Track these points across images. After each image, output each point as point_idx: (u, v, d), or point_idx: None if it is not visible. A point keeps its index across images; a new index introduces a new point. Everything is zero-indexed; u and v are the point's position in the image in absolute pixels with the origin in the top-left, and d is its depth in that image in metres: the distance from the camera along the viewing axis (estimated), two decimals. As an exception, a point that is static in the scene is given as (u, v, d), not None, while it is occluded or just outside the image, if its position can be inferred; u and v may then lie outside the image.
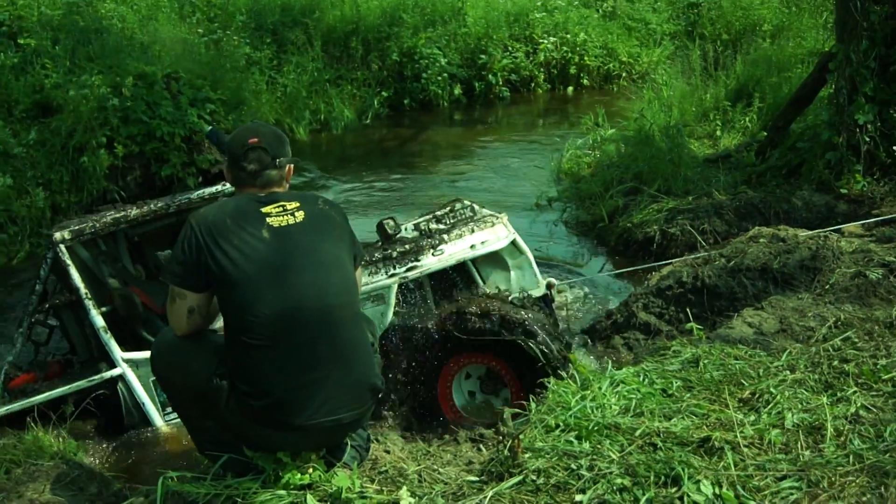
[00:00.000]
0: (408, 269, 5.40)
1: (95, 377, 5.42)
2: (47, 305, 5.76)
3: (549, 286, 5.83)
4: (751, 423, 3.59)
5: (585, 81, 16.27)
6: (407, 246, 5.46)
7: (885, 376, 3.96)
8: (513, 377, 5.13)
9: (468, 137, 13.45)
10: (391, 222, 5.65)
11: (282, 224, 3.60)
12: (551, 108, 15.42)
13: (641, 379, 4.16)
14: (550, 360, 4.90)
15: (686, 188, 8.74)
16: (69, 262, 5.59)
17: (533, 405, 3.96)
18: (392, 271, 5.39)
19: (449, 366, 5.27)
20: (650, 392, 4.01)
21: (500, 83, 15.56)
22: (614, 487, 3.13)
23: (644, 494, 3.06)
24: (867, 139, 7.67)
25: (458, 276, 5.75)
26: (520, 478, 3.29)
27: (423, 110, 15.02)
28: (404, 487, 3.46)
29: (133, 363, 5.45)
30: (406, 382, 5.29)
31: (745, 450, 3.35)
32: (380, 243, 5.63)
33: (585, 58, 16.17)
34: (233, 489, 3.54)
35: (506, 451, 3.39)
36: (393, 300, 5.38)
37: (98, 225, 5.73)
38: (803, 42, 12.79)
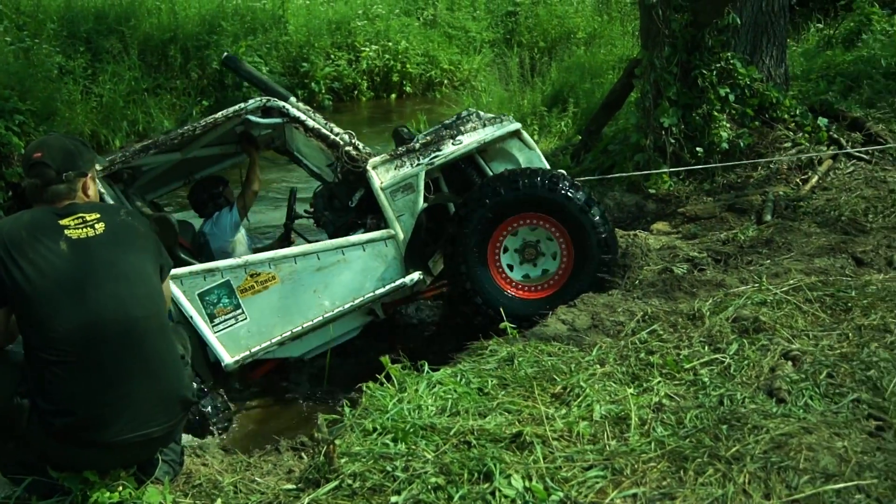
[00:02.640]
0: (432, 158, 5.88)
1: None
2: None
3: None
4: (561, 416, 3.70)
5: (408, 89, 16.44)
6: (428, 138, 6.01)
7: (687, 366, 4.16)
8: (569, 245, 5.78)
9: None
10: (405, 129, 6.22)
11: (80, 236, 3.49)
12: (375, 116, 15.49)
13: (458, 379, 4.22)
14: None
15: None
16: (103, 189, 5.57)
17: (347, 410, 3.97)
18: (417, 161, 5.86)
19: (500, 229, 5.79)
20: (466, 391, 4.07)
21: (323, 91, 15.55)
22: (429, 487, 3.17)
23: (458, 492, 3.11)
24: (672, 141, 8.03)
25: (474, 172, 6.21)
26: (336, 483, 3.29)
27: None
28: (219, 500, 3.41)
29: (177, 279, 5.51)
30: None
31: (555, 443, 3.45)
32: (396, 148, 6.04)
33: (407, 65, 16.36)
34: (39, 513, 3.40)
35: (322, 458, 3.38)
36: (422, 187, 5.85)
37: (127, 154, 5.84)
38: (614, 49, 13.32)
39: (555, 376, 4.16)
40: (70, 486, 3.45)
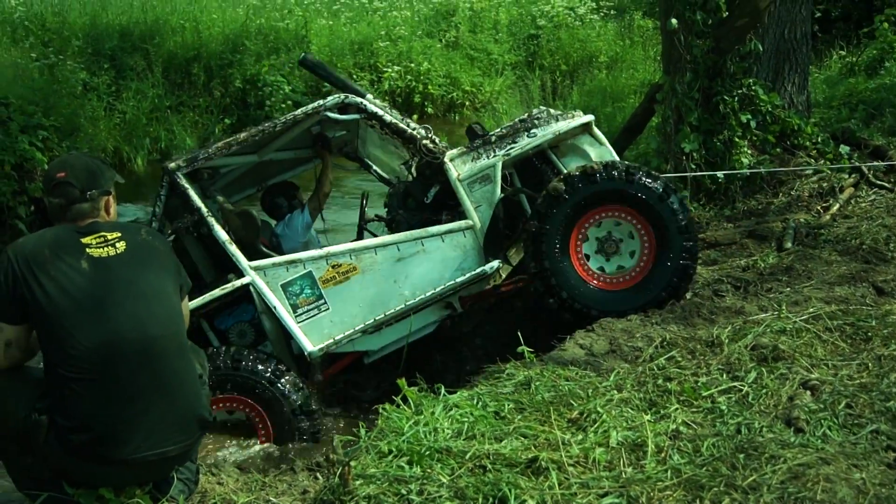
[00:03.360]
0: (508, 150, 6.00)
1: (227, 286, 5.66)
2: (170, 232, 5.88)
3: None
4: (577, 442, 3.68)
5: (430, 110, 16.50)
6: (504, 131, 6.12)
7: (705, 393, 4.14)
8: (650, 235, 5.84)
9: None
10: (479, 125, 6.29)
11: (102, 255, 3.52)
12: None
13: (475, 402, 4.21)
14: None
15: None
16: (187, 185, 5.79)
17: (363, 431, 3.97)
18: (494, 153, 5.95)
19: (581, 221, 5.85)
20: (483, 415, 4.06)
21: (345, 111, 15.59)
22: (444, 511, 3.17)
23: (472, 516, 3.11)
24: (693, 166, 8.02)
25: (547, 168, 6.29)
26: (351, 505, 3.28)
27: (268, 139, 14.85)
28: (233, 519, 3.41)
29: (261, 270, 5.70)
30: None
31: (571, 469, 3.43)
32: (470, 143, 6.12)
33: (429, 86, 16.41)
34: (54, 529, 3.42)
35: (336, 479, 3.38)
36: (499, 178, 5.94)
37: (210, 151, 5.90)
38: (636, 73, 13.33)
39: (572, 401, 4.14)
40: (85, 502, 3.47)
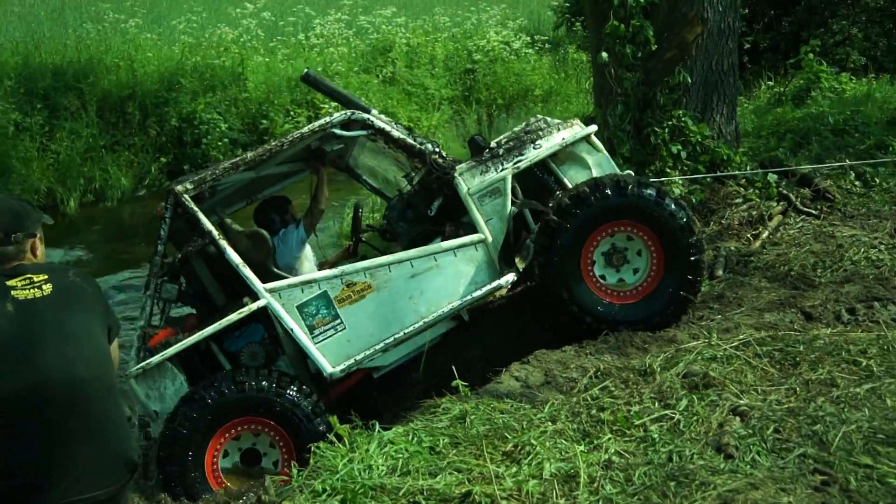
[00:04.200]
0: (516, 162, 6.03)
1: (244, 310, 5.61)
2: (178, 256, 5.87)
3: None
4: (511, 475, 3.70)
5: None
6: (511, 143, 6.16)
7: (637, 422, 4.19)
8: (654, 240, 5.92)
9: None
10: (481, 137, 6.21)
11: (27, 297, 3.47)
12: (336, 172, 15.48)
13: (410, 438, 4.21)
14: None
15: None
16: (196, 208, 5.75)
17: (296, 471, 3.95)
18: (502, 166, 5.98)
19: (593, 237, 5.93)
20: (418, 450, 4.07)
21: (283, 148, 15.54)
22: (377, 549, 3.16)
23: (406, 553, 3.10)
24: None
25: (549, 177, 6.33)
26: (283, 546, 3.27)
27: (205, 176, 14.73)
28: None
29: (276, 292, 5.68)
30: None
31: (504, 502, 3.45)
32: (473, 156, 6.11)
33: (368, 122, 16.41)
34: (-20, 581, 3.34)
35: (269, 520, 3.36)
36: (509, 191, 5.98)
37: (218, 172, 5.85)
38: (570, 106, 13.53)
39: (506, 434, 4.16)
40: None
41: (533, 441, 4.01)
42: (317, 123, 6.01)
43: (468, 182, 5.97)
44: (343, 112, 5.98)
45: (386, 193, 7.21)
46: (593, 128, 6.38)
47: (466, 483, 3.65)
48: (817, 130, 9.66)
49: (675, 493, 3.44)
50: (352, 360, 5.77)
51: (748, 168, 8.49)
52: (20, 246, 3.64)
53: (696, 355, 4.96)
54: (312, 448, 4.12)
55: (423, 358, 5.93)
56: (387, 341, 5.82)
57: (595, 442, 4.02)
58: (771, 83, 13.67)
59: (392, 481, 3.70)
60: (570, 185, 6.19)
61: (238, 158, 5.94)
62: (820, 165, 8.65)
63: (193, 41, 17.51)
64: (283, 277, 5.90)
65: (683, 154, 8.31)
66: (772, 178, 8.37)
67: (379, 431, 4.27)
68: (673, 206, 5.88)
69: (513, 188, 6.04)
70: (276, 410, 5.50)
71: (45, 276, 3.57)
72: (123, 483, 3.60)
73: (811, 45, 12.45)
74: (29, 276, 3.54)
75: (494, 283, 5.95)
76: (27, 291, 3.49)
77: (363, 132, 6.02)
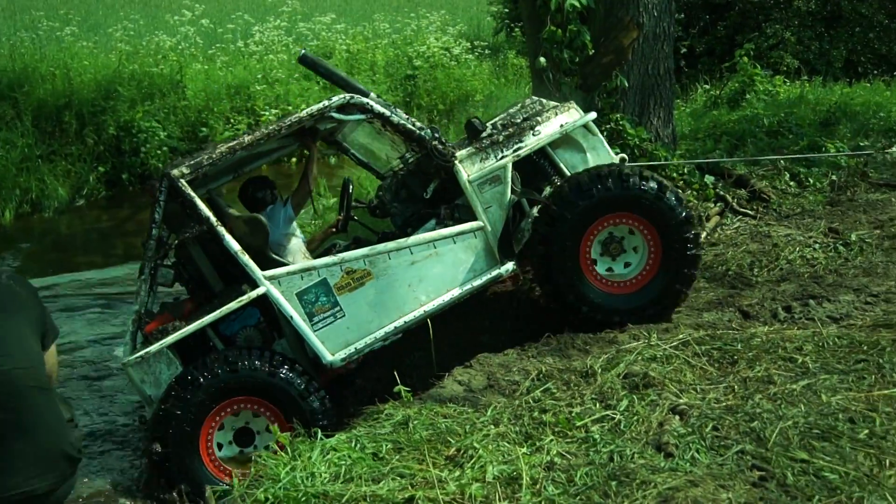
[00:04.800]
0: (516, 150, 5.99)
1: (244, 297, 5.53)
2: (175, 241, 5.79)
3: (623, 160, 6.38)
4: (454, 479, 3.72)
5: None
6: (510, 128, 6.08)
7: (579, 423, 4.23)
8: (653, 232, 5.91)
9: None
10: (478, 119, 6.16)
11: None
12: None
13: (353, 444, 4.20)
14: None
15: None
16: (193, 194, 5.63)
17: (237, 481, 3.92)
18: (502, 153, 5.96)
19: (592, 228, 5.90)
20: (361, 457, 4.06)
21: (223, 156, 15.38)
22: (320, 556, 3.15)
23: (349, 560, 3.09)
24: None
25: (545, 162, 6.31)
26: (225, 556, 3.24)
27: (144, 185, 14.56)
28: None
29: (275, 280, 5.59)
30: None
31: (447, 506, 3.46)
32: (469, 139, 6.07)
33: (308, 129, 16.33)
34: None
35: (211, 531, 3.33)
36: (509, 179, 5.95)
37: (214, 156, 5.71)
38: (511, 111, 13.50)
39: (449, 438, 4.17)
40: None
41: (475, 445, 4.03)
42: (315, 107, 5.90)
43: (468, 169, 5.94)
44: (342, 96, 5.90)
45: (375, 168, 7.17)
46: (592, 115, 6.37)
47: (409, 488, 3.65)
48: (752, 132, 9.84)
49: (616, 492, 3.48)
50: (352, 349, 5.73)
51: (685, 170, 8.60)
52: None
53: (637, 356, 5.02)
54: (253, 457, 4.10)
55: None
56: (387, 330, 5.79)
57: (537, 444, 4.05)
58: (707, 86, 13.89)
59: (335, 488, 3.69)
60: (565, 170, 6.22)
61: (235, 143, 5.79)
62: (749, 160, 8.80)
63: (130, 49, 17.26)
64: (280, 263, 5.84)
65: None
66: (709, 179, 8.49)
67: (321, 439, 4.26)
68: (673, 199, 5.89)
69: (512, 176, 6.05)
70: (268, 390, 5.48)
71: None
72: (64, 476, 3.57)
73: (745, 49, 12.67)
74: None
75: (494, 273, 5.96)
76: None
77: (362, 116, 5.97)
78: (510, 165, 5.98)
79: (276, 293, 5.60)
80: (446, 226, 6.07)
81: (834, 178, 8.82)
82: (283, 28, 19.83)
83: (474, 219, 5.95)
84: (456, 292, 5.91)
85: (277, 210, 6.54)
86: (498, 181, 5.95)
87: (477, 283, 5.93)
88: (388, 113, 5.93)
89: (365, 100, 5.90)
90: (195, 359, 5.57)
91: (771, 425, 3.98)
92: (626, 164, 6.37)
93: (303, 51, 6.48)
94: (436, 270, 5.87)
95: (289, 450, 4.15)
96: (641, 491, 3.46)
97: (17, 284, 3.70)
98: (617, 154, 6.44)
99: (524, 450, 3.96)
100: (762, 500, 3.43)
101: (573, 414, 4.34)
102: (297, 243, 6.50)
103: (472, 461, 3.88)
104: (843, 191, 8.59)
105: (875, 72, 13.89)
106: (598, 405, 4.43)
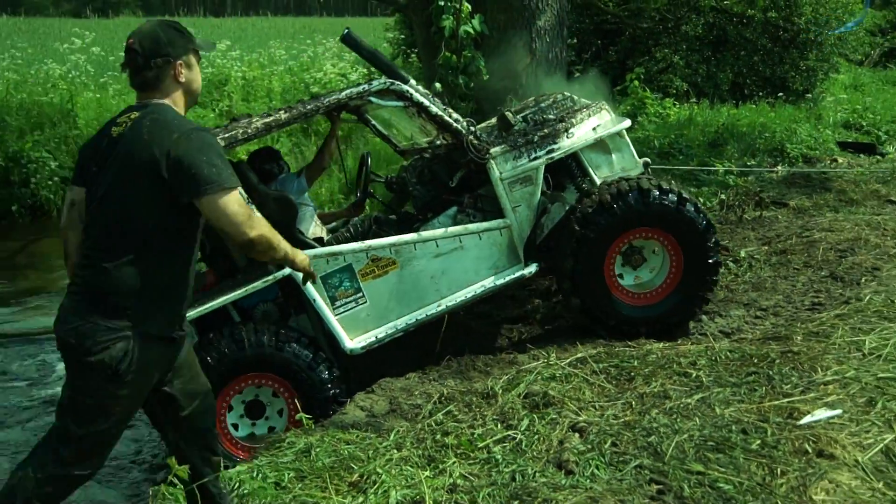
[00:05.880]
0: (550, 152, 6.01)
1: (269, 277, 5.45)
2: None
3: (646, 165, 6.47)
4: (357, 505, 3.71)
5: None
6: (545, 130, 6.08)
7: (481, 444, 4.25)
8: (674, 243, 6.01)
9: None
10: (510, 114, 6.14)
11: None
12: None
13: (254, 474, 4.15)
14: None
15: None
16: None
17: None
18: (535, 154, 5.98)
19: (617, 242, 5.98)
20: (262, 486, 4.02)
21: (118, 185, 15.04)
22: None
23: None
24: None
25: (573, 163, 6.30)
26: None
27: (35, 217, 14.19)
28: None
29: None
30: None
31: (350, 532, 3.45)
32: (500, 132, 6.13)
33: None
34: None
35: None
36: (541, 180, 6.01)
37: (250, 131, 5.55)
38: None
39: (352, 464, 4.16)
40: None
41: (378, 470, 4.03)
42: (355, 90, 5.83)
43: (500, 167, 5.95)
44: (382, 80, 5.85)
45: (393, 142, 7.16)
46: (627, 122, 6.46)
47: (312, 516, 3.63)
48: (644, 154, 10.05)
49: (518, 511, 3.51)
50: (372, 338, 5.72)
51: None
52: (159, 71, 3.62)
53: (536, 375, 5.08)
54: (151, 492, 4.02)
55: None
56: (408, 321, 5.79)
57: (440, 466, 4.06)
58: (600, 110, 14.12)
59: (236, 520, 3.64)
60: (591, 171, 6.24)
61: (272, 119, 5.64)
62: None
63: (18, 78, 16.88)
64: (306, 244, 5.75)
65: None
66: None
67: (224, 469, 4.20)
68: (693, 209, 5.97)
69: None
70: (278, 364, 5.44)
71: (138, 115, 3.58)
72: None
73: (636, 73, 12.98)
74: (129, 114, 3.61)
75: (518, 273, 5.99)
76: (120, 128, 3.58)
77: (400, 103, 5.93)
78: (542, 168, 6.03)
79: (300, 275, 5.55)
80: (468, 215, 6.13)
81: (723, 197, 9.09)
82: (177, 55, 19.59)
83: (499, 213, 5.99)
84: (478, 289, 5.95)
85: (290, 180, 6.51)
86: (529, 181, 6.00)
87: (500, 282, 5.99)
88: (426, 103, 5.91)
89: (405, 87, 5.86)
90: (212, 329, 5.52)
91: (667, 439, 4.07)
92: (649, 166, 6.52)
93: (346, 29, 6.33)
94: (460, 265, 5.92)
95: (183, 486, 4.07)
96: (543, 509, 3.50)
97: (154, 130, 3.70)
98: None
99: (427, 473, 3.97)
100: (660, 513, 3.50)
101: (475, 435, 4.37)
102: (309, 212, 6.43)
103: (376, 486, 3.87)
104: (732, 209, 8.85)
105: (760, 93, 14.32)
106: (499, 426, 4.46)
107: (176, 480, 4.10)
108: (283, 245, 3.73)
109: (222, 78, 18.49)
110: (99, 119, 15.42)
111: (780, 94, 14.31)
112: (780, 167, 10.19)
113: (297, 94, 18.18)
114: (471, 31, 8.28)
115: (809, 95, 14.57)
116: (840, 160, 10.89)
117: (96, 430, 3.48)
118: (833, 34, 14.58)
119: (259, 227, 3.54)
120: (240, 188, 3.55)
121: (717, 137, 10.98)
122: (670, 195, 5.92)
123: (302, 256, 3.94)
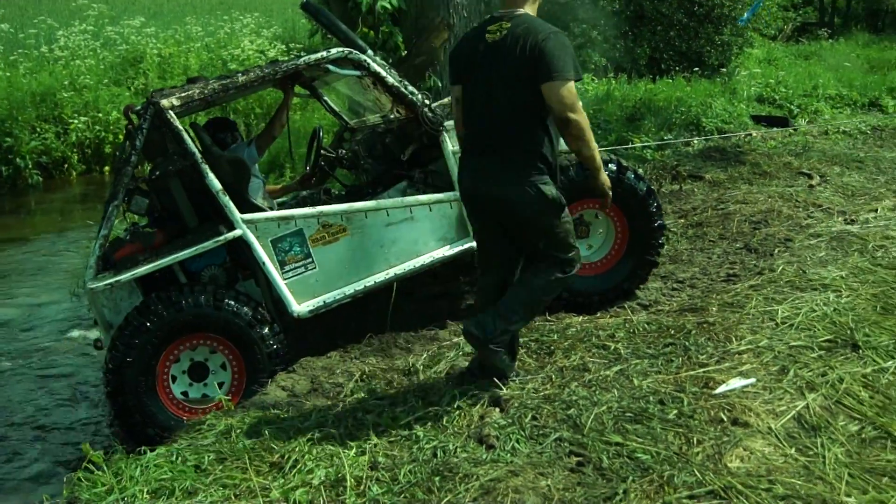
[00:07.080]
0: None
1: (220, 238, 5.41)
2: (158, 173, 5.58)
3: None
4: (278, 486, 3.68)
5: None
6: None
7: (402, 421, 4.25)
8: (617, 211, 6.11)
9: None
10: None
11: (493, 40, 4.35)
12: (88, 193, 14.74)
13: (174, 458, 4.10)
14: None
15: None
16: (180, 127, 5.48)
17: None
18: None
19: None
20: (183, 470, 3.97)
21: (31, 167, 14.67)
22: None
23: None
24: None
25: None
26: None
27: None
28: None
29: (252, 224, 5.52)
30: None
31: (271, 514, 3.43)
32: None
33: (120, 136, 15.82)
34: None
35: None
36: None
37: (206, 92, 5.55)
38: (327, 113, 13.44)
39: (273, 445, 4.13)
40: None
41: (300, 450, 4.00)
42: (312, 57, 5.79)
43: (453, 140, 5.88)
44: (340, 49, 5.80)
45: (344, 118, 7.10)
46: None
47: (232, 498, 3.60)
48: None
49: (439, 487, 3.52)
50: (320, 302, 5.69)
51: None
52: None
53: (458, 351, 5.10)
54: (65, 479, 3.94)
55: None
56: (356, 288, 5.77)
57: (362, 445, 4.06)
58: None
59: (155, 505, 3.60)
60: None
61: (229, 81, 5.63)
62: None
63: (-79, 55, 16.35)
64: (257, 207, 5.74)
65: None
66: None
67: (143, 453, 4.14)
68: (633, 177, 6.04)
69: None
70: (219, 323, 5.39)
71: (509, 25, 4.30)
72: None
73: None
74: (500, 22, 4.33)
75: (466, 245, 5.97)
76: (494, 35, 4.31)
77: (357, 72, 5.89)
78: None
79: (251, 237, 5.52)
80: (418, 189, 6.12)
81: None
82: (90, 32, 19.17)
83: (450, 186, 5.93)
84: (426, 259, 5.95)
85: (241, 149, 6.43)
86: None
87: (448, 252, 5.99)
88: (383, 73, 5.90)
89: (362, 56, 5.83)
90: (156, 289, 5.47)
91: (586, 411, 4.11)
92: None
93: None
94: (410, 235, 5.92)
95: (106, 469, 4.01)
96: (464, 484, 3.51)
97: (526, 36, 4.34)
98: None
99: (349, 451, 3.96)
100: (580, 485, 3.54)
101: (397, 412, 4.37)
102: (256, 184, 6.34)
103: (297, 466, 3.85)
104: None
105: (676, 68, 14.53)
106: (420, 402, 4.46)
107: (91, 466, 4.06)
108: (595, 147, 4.34)
109: (137, 55, 18.09)
110: (9, 98, 15.00)
111: (696, 68, 14.52)
112: (695, 140, 10.35)
113: (214, 71, 17.87)
114: (388, 6, 8.25)
115: (724, 70, 14.83)
116: (754, 133, 11.10)
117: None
118: (740, 25, 14.81)
119: (581, 117, 4.17)
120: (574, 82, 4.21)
121: (634, 112, 11.10)
122: (610, 165, 5.98)
123: (605, 176, 4.55)
